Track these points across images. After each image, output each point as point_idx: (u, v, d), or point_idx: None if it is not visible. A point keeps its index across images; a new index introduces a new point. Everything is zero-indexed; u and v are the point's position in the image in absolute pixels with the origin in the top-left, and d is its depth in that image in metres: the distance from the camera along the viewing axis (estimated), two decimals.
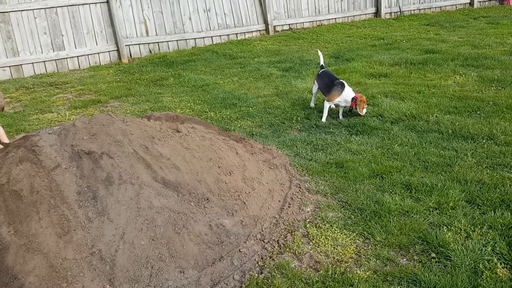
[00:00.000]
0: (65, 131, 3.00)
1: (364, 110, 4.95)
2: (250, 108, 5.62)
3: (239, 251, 2.69)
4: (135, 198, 2.74)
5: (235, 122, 5.20)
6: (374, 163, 3.83)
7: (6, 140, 4.39)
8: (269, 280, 2.46)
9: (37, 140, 2.93)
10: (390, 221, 2.95)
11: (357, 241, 2.81)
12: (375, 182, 3.53)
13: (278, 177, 3.67)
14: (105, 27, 8.55)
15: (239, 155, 3.71)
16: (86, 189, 2.73)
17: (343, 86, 4.94)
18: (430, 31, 10.08)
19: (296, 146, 4.38)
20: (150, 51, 9.09)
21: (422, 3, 12.51)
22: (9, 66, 7.83)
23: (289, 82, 6.68)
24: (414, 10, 12.37)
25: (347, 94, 4.91)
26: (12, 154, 2.77)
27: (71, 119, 5.38)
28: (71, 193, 2.69)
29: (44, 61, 8.12)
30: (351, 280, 2.42)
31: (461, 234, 2.75)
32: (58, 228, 2.49)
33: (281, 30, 10.64)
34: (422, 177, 3.49)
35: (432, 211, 3.03)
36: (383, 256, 2.62)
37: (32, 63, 8.03)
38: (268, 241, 2.79)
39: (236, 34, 10.01)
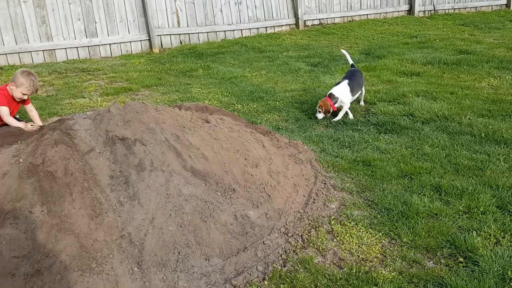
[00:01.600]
0: (100, 116, 3.08)
1: (318, 115, 4.94)
2: (277, 102, 5.62)
3: (263, 243, 2.71)
4: (165, 185, 2.80)
5: (262, 115, 5.22)
6: (403, 163, 3.78)
7: (39, 122, 4.53)
8: (292, 274, 2.48)
9: (72, 124, 3.01)
10: (417, 223, 2.91)
11: (383, 241, 2.79)
12: (403, 182, 3.49)
13: (304, 172, 3.67)
14: (137, 16, 8.67)
15: (265, 148, 3.72)
16: (118, 173, 2.80)
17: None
18: (464, 31, 9.82)
19: (323, 142, 4.36)
20: (181, 42, 9.17)
21: (457, 2, 12.20)
22: (43, 51, 8.04)
23: (317, 77, 6.64)
24: (448, 9, 12.07)
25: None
26: (48, 136, 2.86)
27: (103, 105, 5.50)
28: (104, 176, 2.76)
29: (77, 47, 8.30)
30: (376, 280, 2.40)
31: (490, 240, 2.70)
32: (90, 210, 2.56)
33: (311, 25, 10.57)
34: (452, 180, 3.42)
35: (462, 215, 2.98)
36: (409, 258, 2.59)
37: (65, 48, 8.22)
38: (292, 235, 2.81)
39: (266, 27, 9.99)
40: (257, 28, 9.90)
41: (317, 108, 4.96)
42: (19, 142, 3.05)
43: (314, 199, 3.26)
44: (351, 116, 5.02)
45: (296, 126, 4.87)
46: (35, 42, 7.93)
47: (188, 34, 9.23)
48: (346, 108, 4.97)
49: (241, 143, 3.50)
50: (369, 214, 3.08)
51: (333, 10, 10.77)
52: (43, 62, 8.05)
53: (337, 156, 4.02)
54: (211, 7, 9.32)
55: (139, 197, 2.71)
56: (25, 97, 4.28)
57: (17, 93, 4.17)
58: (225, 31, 9.57)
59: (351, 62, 5.46)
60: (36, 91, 4.33)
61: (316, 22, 10.65)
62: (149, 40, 8.82)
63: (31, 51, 7.91)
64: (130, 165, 2.85)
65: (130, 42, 8.71)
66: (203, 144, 3.25)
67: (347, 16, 11.00)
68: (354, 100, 5.16)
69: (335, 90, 4.93)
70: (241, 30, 9.74)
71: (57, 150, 2.75)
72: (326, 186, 3.49)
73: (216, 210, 2.81)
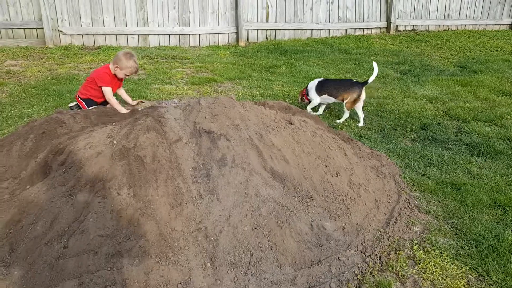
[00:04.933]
0: (190, 107, 3.14)
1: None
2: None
3: (338, 258, 2.60)
4: (244, 183, 2.78)
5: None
6: (497, 191, 3.45)
7: (130, 101, 4.76)
8: None
9: (164, 112, 3.10)
10: (510, 261, 2.63)
11: (470, 276, 2.55)
12: (496, 213, 3.18)
13: (386, 187, 3.48)
14: (229, 9, 8.82)
15: (347, 157, 3.58)
16: (201, 166, 2.83)
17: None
18: None
19: (408, 157, 4.11)
20: (267, 37, 9.20)
21: None
22: (138, 35, 8.48)
23: (406, 86, 6.30)
24: None
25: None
26: (141, 122, 2.97)
27: (188, 93, 5.66)
28: (187, 167, 2.81)
29: (169, 34, 8.65)
30: None
31: None
32: (171, 199, 2.62)
33: (403, 30, 10.07)
34: None
35: None
36: None
37: (158, 35, 8.60)
38: (370, 255, 2.66)
39: (355, 29, 9.69)
40: (346, 29, 9.63)
41: None
42: (114, 123, 3.21)
43: (396, 218, 3.07)
44: (311, 112, 5.08)
45: (380, 136, 4.65)
46: (132, 26, 8.38)
47: (275, 30, 9.23)
48: (313, 103, 5.11)
49: (322, 149, 3.39)
50: (456, 243, 2.83)
51: (429, 17, 10.17)
52: (137, 46, 8.50)
53: (423, 175, 3.77)
54: (302, 4, 9.22)
55: (218, 192, 2.72)
56: (126, 77, 4.52)
57: (121, 74, 4.41)
58: (312, 29, 9.44)
59: (370, 78, 4.80)
60: (137, 72, 4.56)
61: (409, 28, 10.12)
62: (237, 33, 8.94)
63: (127, 34, 8.38)
64: (213, 159, 2.87)
65: (218, 33, 8.90)
66: (285, 145, 3.19)
67: (443, 25, 10.33)
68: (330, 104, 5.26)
69: (310, 83, 5.16)
70: (329, 29, 9.54)
71: (148, 137, 2.85)
72: (410, 206, 3.27)
73: (292, 217, 2.74)
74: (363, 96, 4.85)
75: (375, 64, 4.83)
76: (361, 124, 4.90)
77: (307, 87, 5.16)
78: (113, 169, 2.68)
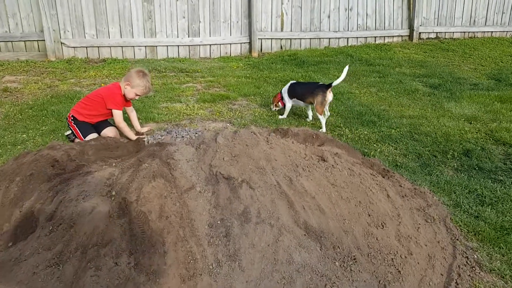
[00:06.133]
0: (204, 146, 2.61)
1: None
2: (392, 130, 4.84)
3: None
4: (273, 245, 2.24)
5: (374, 145, 4.48)
6: None
7: (138, 126, 4.25)
8: None
9: (174, 152, 2.58)
10: None
11: None
12: None
13: (438, 237, 2.91)
14: (241, 17, 8.31)
15: (390, 199, 3.02)
16: (219, 222, 2.30)
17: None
18: None
19: (455, 193, 3.53)
20: (281, 47, 8.67)
21: None
22: (145, 46, 8.00)
23: (439, 103, 5.71)
24: None
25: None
26: (146, 166, 2.44)
27: (199, 113, 5.14)
28: (202, 224, 2.28)
29: (178, 45, 8.16)
30: None
31: None
32: (183, 269, 2.09)
33: (426, 38, 9.48)
34: None
35: None
36: None
37: (167, 46, 8.11)
38: None
39: (375, 37, 9.12)
40: (365, 37, 9.07)
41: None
42: (114, 163, 2.69)
43: (456, 282, 2.50)
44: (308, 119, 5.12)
45: (418, 165, 4.07)
46: (139, 37, 7.91)
47: (290, 39, 8.69)
48: (286, 107, 5.06)
49: (363, 192, 2.84)
50: None
51: (453, 24, 9.57)
52: (144, 58, 8.02)
53: (477, 217, 3.18)
54: (319, 12, 8.68)
55: (240, 258, 2.18)
56: (137, 98, 4.02)
57: (131, 94, 3.92)
58: (329, 38, 8.89)
59: (336, 81, 4.76)
60: (149, 92, 4.06)
61: (433, 35, 9.53)
62: (250, 43, 8.43)
63: (134, 46, 7.90)
64: (233, 213, 2.33)
65: (230, 44, 8.39)
66: (319, 191, 2.65)
67: (469, 32, 9.72)
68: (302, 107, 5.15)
69: (284, 87, 5.12)
70: (347, 38, 8.98)
71: (154, 186, 2.32)
72: (469, 262, 2.70)
73: None
74: (329, 98, 4.77)
75: (345, 69, 4.79)
76: (323, 130, 4.76)
77: (281, 91, 5.11)
78: (110, 230, 2.16)
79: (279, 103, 5.14)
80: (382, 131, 4.81)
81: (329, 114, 4.96)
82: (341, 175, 2.88)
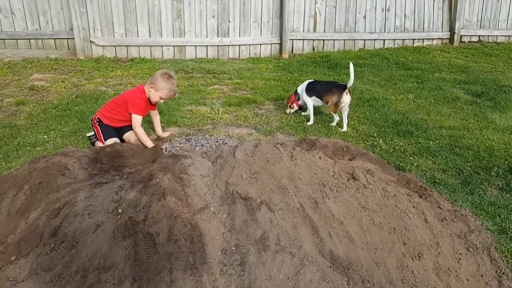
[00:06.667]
0: (221, 160, 2.37)
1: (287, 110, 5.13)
2: (431, 142, 4.46)
3: None
4: (293, 278, 1.98)
5: (411, 158, 4.13)
6: None
7: (160, 131, 4.09)
8: None
9: (188, 166, 2.36)
10: None
11: None
12: None
13: (482, 270, 2.57)
14: (273, 17, 8.05)
15: (428, 224, 2.70)
16: (233, 248, 2.06)
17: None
18: None
19: (500, 216, 3.15)
20: (313, 49, 8.35)
21: None
22: (174, 46, 7.86)
23: (483, 113, 5.27)
24: None
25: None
26: (157, 181, 2.23)
27: (224, 118, 4.92)
28: (214, 249, 2.05)
29: (206, 46, 7.99)
30: None
31: None
32: None
33: (468, 42, 8.93)
34: None
35: None
36: None
37: (195, 46, 7.96)
38: None
39: (413, 40, 8.66)
40: (403, 39, 8.62)
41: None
42: (126, 176, 2.50)
43: None
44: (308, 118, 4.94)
45: (458, 182, 3.70)
46: (167, 36, 7.78)
47: (323, 40, 8.36)
48: (308, 107, 4.92)
49: (398, 217, 2.53)
50: None
51: (498, 27, 8.97)
52: (172, 58, 7.89)
53: None
54: (354, 12, 8.31)
55: None
56: (162, 101, 3.85)
57: (155, 97, 3.75)
58: (364, 39, 8.50)
59: (349, 83, 4.58)
60: (174, 95, 3.88)
61: (475, 39, 8.97)
62: (280, 44, 8.16)
63: (162, 45, 7.79)
64: (250, 239, 2.09)
65: (260, 44, 8.15)
66: (348, 215, 2.36)
67: None
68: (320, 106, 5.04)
69: (299, 86, 5.05)
70: (384, 40, 8.56)
71: (164, 204, 2.11)
72: None
73: None
74: (345, 99, 4.61)
75: (351, 66, 4.60)
76: (344, 129, 4.69)
77: (296, 91, 5.03)
78: (114, 253, 1.96)
79: (294, 104, 5.04)
80: (419, 143, 4.44)
81: (338, 119, 4.79)
82: (374, 196, 2.58)
